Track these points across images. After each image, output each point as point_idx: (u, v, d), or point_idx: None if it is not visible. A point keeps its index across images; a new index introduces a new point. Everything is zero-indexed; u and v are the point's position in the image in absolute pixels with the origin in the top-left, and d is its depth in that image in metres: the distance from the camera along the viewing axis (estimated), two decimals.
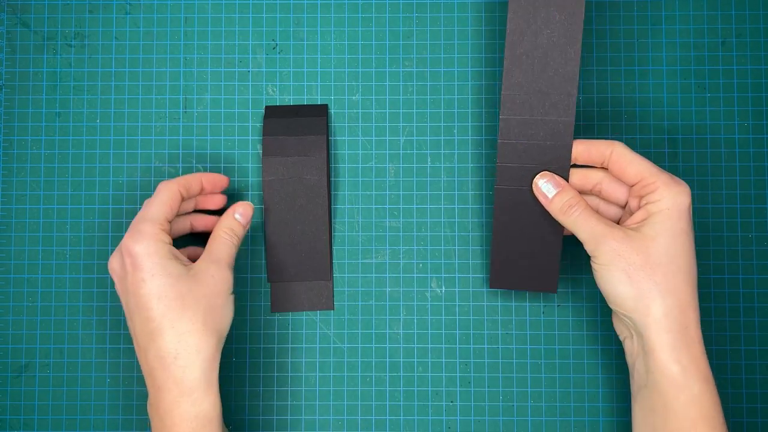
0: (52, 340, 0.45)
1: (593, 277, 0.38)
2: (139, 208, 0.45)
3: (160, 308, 0.36)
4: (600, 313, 0.45)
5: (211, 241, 0.40)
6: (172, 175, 0.46)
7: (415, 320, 0.45)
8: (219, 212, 0.43)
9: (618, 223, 0.39)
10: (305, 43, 0.46)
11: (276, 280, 0.44)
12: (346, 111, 0.46)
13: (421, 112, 0.46)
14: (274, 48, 0.46)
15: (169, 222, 0.39)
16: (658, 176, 0.36)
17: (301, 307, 0.44)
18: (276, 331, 0.45)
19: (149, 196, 0.45)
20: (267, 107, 0.45)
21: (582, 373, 0.44)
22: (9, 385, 0.45)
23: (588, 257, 0.38)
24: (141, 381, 0.45)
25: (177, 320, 0.36)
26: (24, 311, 0.45)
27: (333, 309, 0.45)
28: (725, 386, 0.44)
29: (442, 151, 0.45)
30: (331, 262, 0.45)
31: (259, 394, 0.45)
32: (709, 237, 0.45)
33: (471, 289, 0.45)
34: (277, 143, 0.43)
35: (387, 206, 0.45)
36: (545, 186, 0.39)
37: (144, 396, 0.45)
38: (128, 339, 0.45)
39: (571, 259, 0.45)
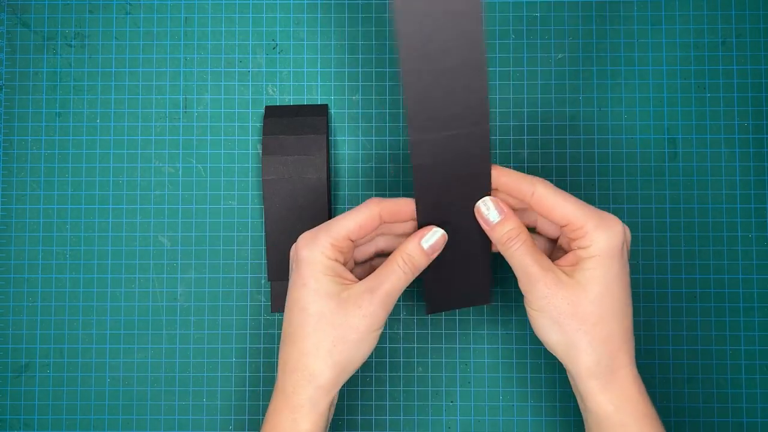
0: (52, 340, 0.45)
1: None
2: (139, 208, 0.45)
3: (297, 319, 0.35)
4: None
5: (384, 265, 0.36)
6: (172, 174, 0.46)
7: (415, 320, 0.45)
8: None
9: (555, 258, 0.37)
10: (305, 43, 0.46)
11: (276, 279, 0.44)
12: (346, 111, 0.46)
13: None
14: (274, 48, 0.46)
15: (352, 241, 0.36)
16: (585, 220, 0.34)
17: None
18: (276, 331, 0.45)
19: (149, 196, 0.45)
20: (267, 107, 0.45)
21: None
22: (9, 385, 0.45)
23: None
24: (141, 381, 0.45)
25: (305, 338, 0.35)
26: (24, 311, 0.45)
27: None
28: (725, 386, 0.44)
29: None
30: None
31: (259, 394, 0.45)
32: (709, 237, 0.45)
33: None
34: (277, 142, 0.43)
35: None
36: (487, 211, 0.36)
37: (141, 397, 0.45)
38: (128, 339, 0.45)
39: None
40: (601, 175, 0.45)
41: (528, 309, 0.36)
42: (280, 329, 0.45)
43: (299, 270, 0.35)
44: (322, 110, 0.45)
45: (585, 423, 0.36)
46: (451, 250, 0.37)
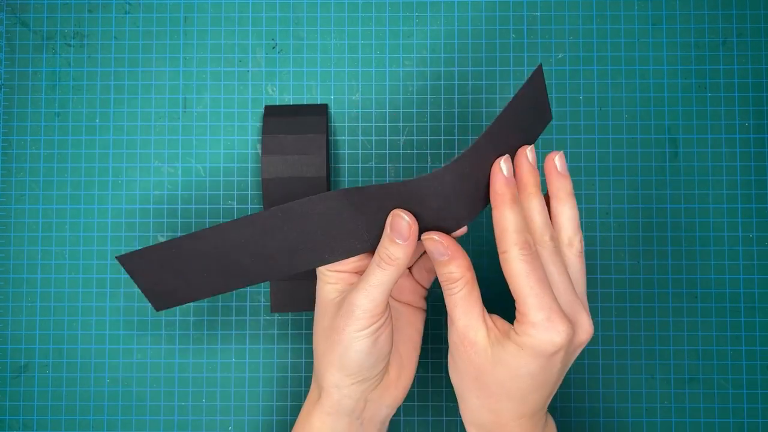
0: (52, 341, 0.45)
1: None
2: (139, 208, 0.45)
3: (314, 326, 0.37)
4: (600, 313, 0.45)
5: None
6: (172, 174, 0.45)
7: None
8: None
9: None
10: (305, 42, 0.46)
11: (276, 279, 0.44)
12: (346, 111, 0.46)
13: (421, 112, 0.46)
14: (273, 48, 0.46)
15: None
16: (530, 311, 0.31)
17: (301, 307, 0.44)
18: (276, 331, 0.45)
19: (149, 196, 0.45)
20: (266, 106, 0.45)
21: (582, 373, 0.44)
22: (8, 386, 0.45)
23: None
24: (140, 381, 0.45)
25: (314, 342, 0.36)
26: (23, 311, 0.45)
27: None
28: (726, 387, 0.44)
29: (442, 151, 0.45)
30: None
31: (259, 394, 0.45)
32: (710, 237, 0.45)
33: None
34: (277, 142, 0.43)
35: None
36: (433, 247, 0.33)
37: (140, 397, 0.44)
38: (127, 339, 0.45)
39: None
40: (601, 175, 0.45)
41: (449, 343, 0.35)
42: (280, 329, 0.45)
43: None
44: (321, 110, 0.45)
45: None
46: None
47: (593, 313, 0.45)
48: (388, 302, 0.34)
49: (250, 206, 0.45)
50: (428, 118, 0.46)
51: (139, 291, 0.45)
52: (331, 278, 0.35)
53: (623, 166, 0.45)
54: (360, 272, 0.35)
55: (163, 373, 0.45)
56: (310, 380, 0.44)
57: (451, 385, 0.44)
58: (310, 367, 0.45)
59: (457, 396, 0.35)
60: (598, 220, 0.45)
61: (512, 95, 0.45)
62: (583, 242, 0.35)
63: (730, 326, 0.44)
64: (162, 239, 0.45)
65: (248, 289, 0.45)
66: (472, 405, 0.34)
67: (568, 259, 0.34)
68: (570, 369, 0.44)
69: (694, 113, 0.45)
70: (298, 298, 0.44)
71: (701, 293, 0.44)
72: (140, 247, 0.45)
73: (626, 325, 0.44)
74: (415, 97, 0.46)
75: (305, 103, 0.46)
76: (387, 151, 0.46)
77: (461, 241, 0.45)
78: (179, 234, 0.45)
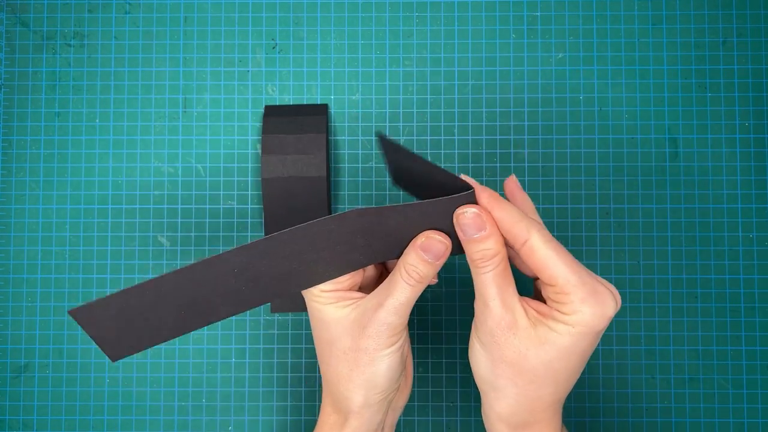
0: (52, 341, 0.45)
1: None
2: (139, 208, 0.45)
3: (317, 349, 0.35)
4: None
5: (388, 279, 0.33)
6: (172, 174, 0.45)
7: (415, 320, 0.45)
8: None
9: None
10: (305, 42, 0.46)
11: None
12: (346, 111, 0.46)
13: (421, 112, 0.46)
14: (273, 48, 0.46)
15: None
16: (575, 289, 0.30)
17: (301, 307, 0.44)
18: (276, 331, 0.45)
19: (148, 195, 0.45)
20: (266, 106, 0.45)
21: (582, 373, 0.44)
22: (8, 386, 0.45)
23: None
24: (140, 381, 0.45)
25: (326, 367, 0.35)
26: (23, 311, 0.45)
27: None
28: (726, 387, 0.44)
29: (442, 151, 0.45)
30: None
31: (258, 394, 0.45)
32: (710, 237, 0.45)
33: (471, 289, 0.45)
34: (277, 141, 0.43)
35: None
36: (467, 221, 0.31)
37: (140, 397, 0.44)
38: None
39: None
40: (601, 175, 0.45)
41: (472, 331, 0.33)
42: (279, 330, 0.45)
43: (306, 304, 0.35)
44: (321, 110, 0.45)
45: None
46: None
47: None
48: None
49: (250, 206, 0.45)
50: (428, 118, 0.46)
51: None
52: (329, 298, 0.33)
53: (623, 166, 0.45)
54: (355, 287, 0.34)
55: (162, 373, 0.45)
56: (311, 380, 0.44)
57: (451, 385, 0.44)
58: (310, 367, 0.45)
59: (486, 389, 0.33)
60: (598, 220, 0.45)
61: (512, 95, 0.45)
62: None
63: (730, 326, 0.44)
64: (162, 239, 0.45)
65: None
66: (507, 395, 0.32)
67: None
68: None
69: (694, 113, 0.45)
70: (298, 299, 0.44)
71: (701, 293, 0.44)
72: (140, 247, 0.45)
73: (626, 325, 0.44)
74: (415, 97, 0.46)
75: (305, 103, 0.46)
76: None
77: None
78: (179, 234, 0.45)
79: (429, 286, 0.45)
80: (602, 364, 0.44)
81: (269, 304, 0.45)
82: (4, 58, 0.46)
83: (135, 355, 0.45)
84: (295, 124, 0.44)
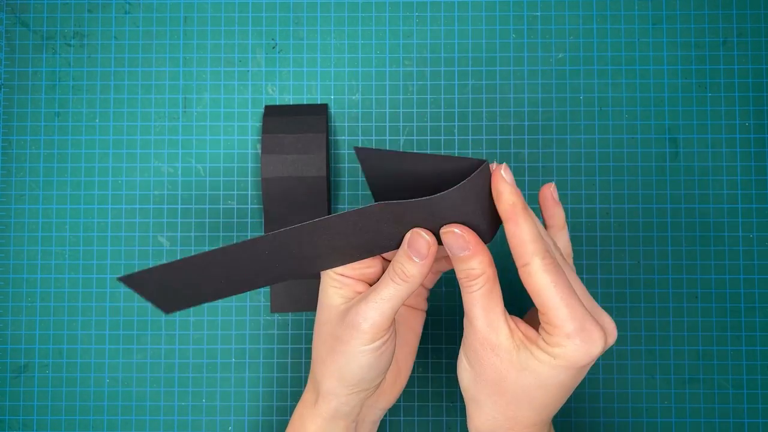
0: (51, 341, 0.45)
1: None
2: (139, 208, 0.45)
3: (314, 327, 0.36)
4: None
5: (381, 278, 0.33)
6: (171, 174, 0.45)
7: None
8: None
9: None
10: (305, 42, 0.46)
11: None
12: (346, 111, 0.46)
13: (421, 112, 0.46)
14: (273, 48, 0.46)
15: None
16: (564, 324, 0.29)
17: (301, 307, 0.44)
18: (276, 331, 0.45)
19: (148, 195, 0.45)
20: (266, 106, 0.45)
21: None
22: (8, 386, 0.45)
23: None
24: (140, 381, 0.45)
25: (314, 345, 0.35)
26: (23, 311, 0.45)
27: None
28: (726, 387, 0.44)
29: (442, 151, 0.45)
30: None
31: (258, 394, 0.45)
32: (710, 237, 0.45)
33: None
34: (276, 141, 0.43)
35: None
36: (454, 241, 0.31)
37: (140, 397, 0.44)
38: (127, 339, 0.45)
39: None
40: (601, 175, 0.45)
41: (462, 344, 0.33)
42: (279, 330, 0.45)
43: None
44: (321, 109, 0.45)
45: None
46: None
47: None
48: (394, 318, 0.33)
49: (249, 206, 0.45)
50: (428, 118, 0.46)
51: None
52: (335, 282, 0.33)
53: (623, 166, 0.45)
54: (365, 280, 0.34)
55: (162, 373, 0.45)
56: None
57: (452, 385, 0.44)
58: (309, 367, 0.45)
59: (468, 400, 0.34)
60: (598, 220, 0.45)
61: (512, 95, 0.45)
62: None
63: (730, 326, 0.44)
64: (162, 239, 0.45)
65: None
66: (485, 411, 0.32)
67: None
68: None
69: (694, 113, 0.45)
70: (298, 298, 0.44)
71: (701, 293, 0.44)
72: (140, 248, 0.45)
73: (626, 325, 0.44)
74: (415, 97, 0.46)
75: (305, 103, 0.46)
76: None
77: None
78: (179, 234, 0.45)
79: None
80: (602, 364, 0.44)
81: (269, 303, 0.45)
82: (4, 58, 0.46)
83: (135, 355, 0.45)
84: (295, 124, 0.44)
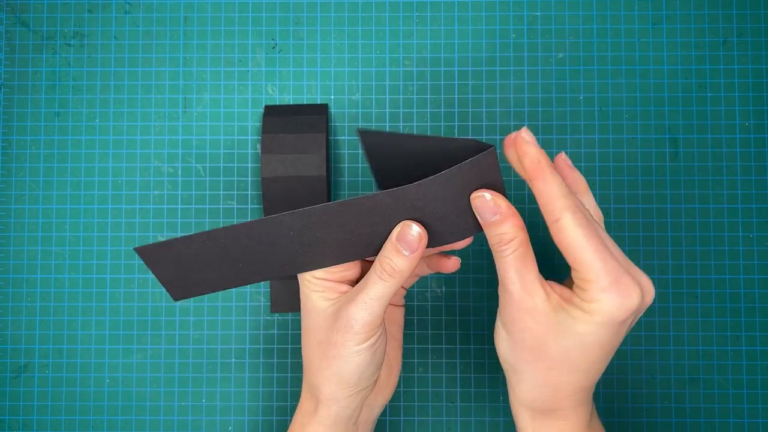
0: (51, 341, 0.45)
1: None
2: (139, 208, 0.45)
3: (301, 333, 0.35)
4: None
5: (368, 273, 0.32)
6: (171, 174, 0.45)
7: (415, 320, 0.45)
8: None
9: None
10: (305, 42, 0.46)
11: (275, 279, 0.44)
12: (346, 111, 0.46)
13: (421, 112, 0.46)
14: (273, 47, 0.46)
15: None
16: (598, 278, 0.29)
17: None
18: (276, 332, 0.45)
19: (148, 195, 0.45)
20: (266, 106, 0.45)
21: None
22: (8, 386, 0.45)
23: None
24: (140, 381, 0.45)
25: (304, 353, 0.35)
26: (23, 311, 0.45)
27: None
28: (726, 387, 0.44)
29: None
30: None
31: (258, 394, 0.45)
32: (710, 237, 0.45)
33: (471, 289, 0.45)
34: (276, 141, 0.43)
35: None
36: (484, 205, 0.30)
37: (140, 397, 0.44)
38: (127, 339, 0.45)
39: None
40: (601, 175, 0.45)
41: (498, 314, 0.33)
42: (280, 330, 0.45)
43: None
44: (321, 109, 0.45)
45: None
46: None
47: None
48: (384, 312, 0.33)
49: (249, 206, 0.45)
50: (428, 118, 0.46)
51: (144, 291, 0.45)
52: (317, 286, 0.33)
53: (623, 166, 0.45)
54: (346, 281, 0.34)
55: (162, 373, 0.45)
56: None
57: (452, 385, 0.44)
58: None
59: (508, 371, 0.33)
60: None
61: (512, 95, 0.45)
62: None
63: (730, 326, 0.44)
64: (162, 239, 0.45)
65: (248, 288, 0.45)
66: (527, 380, 0.32)
67: None
68: None
69: (694, 113, 0.45)
70: (297, 298, 0.44)
71: (701, 293, 0.44)
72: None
73: None
74: (415, 97, 0.46)
75: (305, 103, 0.46)
76: None
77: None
78: (179, 234, 0.45)
79: (428, 287, 0.45)
80: None
81: (269, 303, 0.45)
82: (4, 58, 0.46)
83: (135, 355, 0.45)
84: (295, 124, 0.44)
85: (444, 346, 0.45)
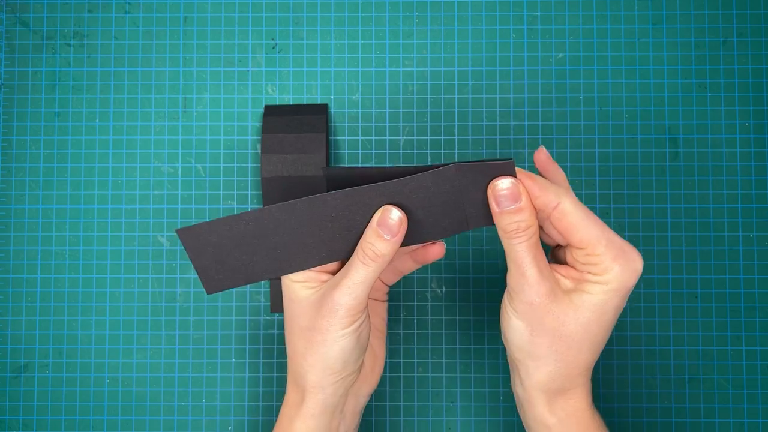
0: (51, 341, 0.45)
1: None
2: (138, 208, 0.45)
3: (285, 324, 0.36)
4: None
5: (350, 259, 0.33)
6: (171, 174, 0.45)
7: (415, 320, 0.45)
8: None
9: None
10: (305, 42, 0.46)
11: (275, 279, 0.44)
12: (346, 111, 0.46)
13: (421, 112, 0.46)
14: (273, 47, 0.46)
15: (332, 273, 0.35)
16: (606, 251, 0.31)
17: None
18: (276, 332, 0.45)
19: (148, 195, 0.45)
20: (266, 106, 0.45)
21: None
22: (8, 386, 0.45)
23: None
24: (140, 381, 0.45)
25: (288, 342, 0.35)
26: (23, 311, 0.45)
27: None
28: (726, 387, 0.44)
29: (442, 151, 0.45)
30: None
31: (258, 394, 0.45)
32: (711, 237, 0.45)
33: (471, 289, 0.45)
34: (276, 140, 0.43)
35: None
36: (503, 193, 0.31)
37: (140, 397, 0.44)
38: (127, 339, 0.45)
39: None
40: (601, 175, 0.45)
41: (505, 303, 0.34)
42: (280, 329, 0.45)
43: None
44: (321, 109, 0.45)
45: (525, 427, 0.36)
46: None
47: None
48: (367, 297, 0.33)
49: (249, 206, 0.45)
50: (428, 118, 0.46)
51: (143, 291, 0.45)
52: (297, 276, 0.34)
53: (623, 166, 0.45)
54: (326, 271, 0.34)
55: (162, 373, 0.45)
56: None
57: (452, 385, 0.44)
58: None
59: (523, 357, 0.33)
60: None
61: (512, 95, 0.45)
62: None
63: (730, 326, 0.44)
64: (162, 239, 0.45)
65: (248, 288, 0.45)
66: (545, 363, 0.33)
67: None
68: None
69: (694, 113, 0.45)
70: None
71: (701, 293, 0.44)
72: (139, 248, 0.45)
73: (626, 325, 0.44)
74: (415, 97, 0.46)
75: (305, 103, 0.46)
76: (387, 151, 0.46)
77: (463, 239, 0.45)
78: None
79: (428, 287, 0.45)
80: (602, 364, 0.44)
81: (269, 303, 0.45)
82: (4, 57, 0.46)
83: (135, 355, 0.45)
84: (295, 124, 0.44)
85: (444, 346, 0.45)
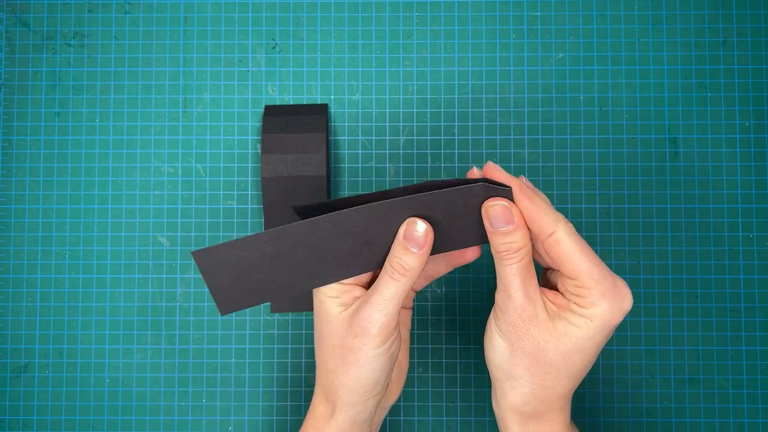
0: (51, 341, 0.45)
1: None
2: (138, 208, 0.45)
3: (315, 339, 0.35)
4: None
5: (380, 274, 0.32)
6: (171, 174, 0.45)
7: (416, 320, 0.45)
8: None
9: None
10: (305, 42, 0.46)
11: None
12: (346, 111, 0.46)
13: (421, 112, 0.46)
14: (273, 48, 0.46)
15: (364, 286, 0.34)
16: (596, 285, 0.30)
17: (301, 307, 0.44)
18: (276, 331, 0.45)
19: (148, 195, 0.45)
20: (266, 106, 0.45)
21: None
22: (8, 386, 0.45)
23: None
24: (140, 381, 0.45)
25: (318, 357, 0.34)
26: (23, 311, 0.45)
27: None
28: (726, 387, 0.44)
29: (442, 151, 0.45)
30: None
31: (258, 395, 0.45)
32: (710, 237, 0.45)
33: (471, 290, 0.45)
34: (276, 140, 0.43)
35: None
36: (496, 214, 0.31)
37: (140, 397, 0.44)
38: (127, 339, 0.45)
39: None
40: (601, 175, 0.45)
41: (491, 320, 0.33)
42: (279, 330, 0.45)
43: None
44: (321, 109, 0.45)
45: None
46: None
47: None
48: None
49: (249, 206, 0.45)
50: (428, 118, 0.46)
51: (144, 291, 0.45)
52: (332, 290, 0.33)
53: (623, 166, 0.45)
54: (360, 284, 0.34)
55: (162, 373, 0.45)
56: (311, 380, 0.44)
57: (451, 385, 0.44)
58: (309, 367, 0.45)
59: (500, 379, 0.33)
60: (598, 220, 0.45)
61: (512, 95, 0.45)
62: None
63: (730, 326, 0.44)
64: (162, 239, 0.45)
65: None
66: (521, 384, 0.32)
67: None
68: None
69: (694, 113, 0.45)
70: (297, 299, 0.44)
71: (701, 293, 0.44)
72: (140, 248, 0.45)
73: (626, 325, 0.44)
74: (415, 97, 0.46)
75: (305, 103, 0.46)
76: (387, 151, 0.46)
77: None
78: (179, 234, 0.45)
79: (429, 287, 0.45)
80: (602, 364, 0.44)
81: (269, 304, 0.45)
82: (4, 57, 0.46)
83: (135, 355, 0.45)
84: (295, 124, 0.44)
85: (444, 346, 0.45)
